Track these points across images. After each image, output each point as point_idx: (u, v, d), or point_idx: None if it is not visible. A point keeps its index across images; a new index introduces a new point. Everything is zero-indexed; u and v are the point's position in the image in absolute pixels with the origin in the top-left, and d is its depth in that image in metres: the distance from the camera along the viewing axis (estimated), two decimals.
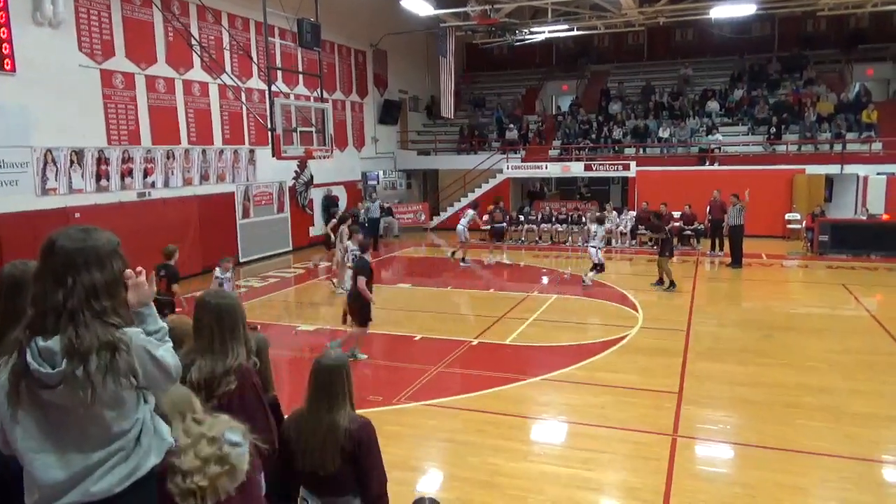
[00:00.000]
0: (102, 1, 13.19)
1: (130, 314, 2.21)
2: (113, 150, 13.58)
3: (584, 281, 13.62)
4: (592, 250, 13.62)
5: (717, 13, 19.42)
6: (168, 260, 9.27)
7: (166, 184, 14.86)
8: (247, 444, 2.34)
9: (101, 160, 13.33)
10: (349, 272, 10.32)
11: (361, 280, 8.60)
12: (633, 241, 19.33)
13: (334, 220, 15.19)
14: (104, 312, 2.09)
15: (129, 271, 2.22)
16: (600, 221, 14.17)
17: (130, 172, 13.98)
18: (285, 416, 3.30)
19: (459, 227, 16.62)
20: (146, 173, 14.35)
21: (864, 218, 17.71)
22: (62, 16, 12.23)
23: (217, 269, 10.09)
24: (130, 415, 2.13)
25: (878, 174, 18.70)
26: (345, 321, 9.92)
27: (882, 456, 6.00)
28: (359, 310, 8.77)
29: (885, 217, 17.46)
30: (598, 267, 13.59)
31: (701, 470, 5.89)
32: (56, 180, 12.45)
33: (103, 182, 13.38)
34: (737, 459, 6.09)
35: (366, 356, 9.01)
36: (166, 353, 2.23)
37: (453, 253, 17.02)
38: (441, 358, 8.96)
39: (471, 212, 17.05)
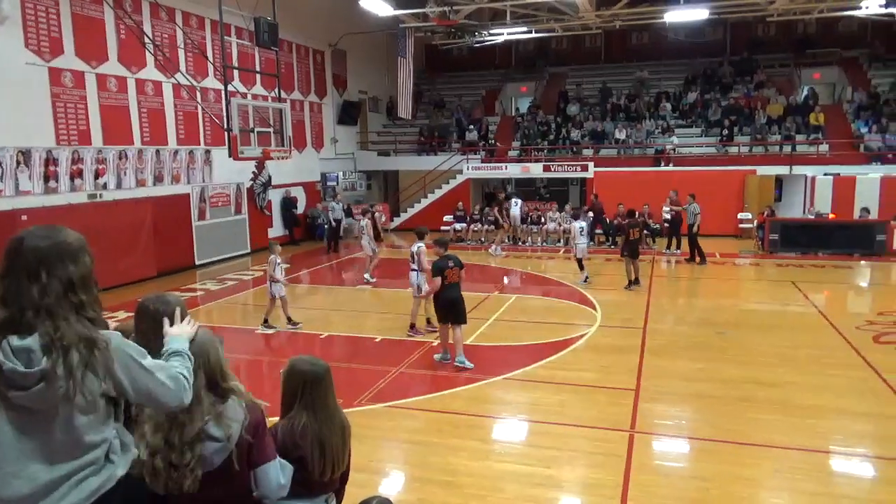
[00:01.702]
0: None
1: (103, 317, 2.18)
2: (62, 150, 13.19)
3: (585, 280, 13.80)
4: (584, 246, 14.01)
5: (672, 17, 19.84)
6: None
7: (119, 185, 14.49)
8: (230, 442, 2.51)
9: (50, 161, 12.93)
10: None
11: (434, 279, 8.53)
12: (591, 241, 19.59)
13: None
14: (81, 306, 2.05)
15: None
16: (577, 217, 14.56)
17: (81, 173, 13.59)
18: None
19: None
20: (97, 174, 13.97)
21: (812, 217, 18.29)
22: (7, 12, 11.81)
23: (272, 254, 10.43)
24: (101, 427, 2.07)
25: (825, 175, 19.36)
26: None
27: (830, 446, 6.20)
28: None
29: (831, 216, 18.07)
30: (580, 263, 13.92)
31: (658, 464, 6.00)
32: (1, 182, 12.03)
33: (52, 183, 12.98)
34: (692, 453, 6.22)
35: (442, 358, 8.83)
36: (161, 365, 2.21)
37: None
38: (402, 359, 8.93)
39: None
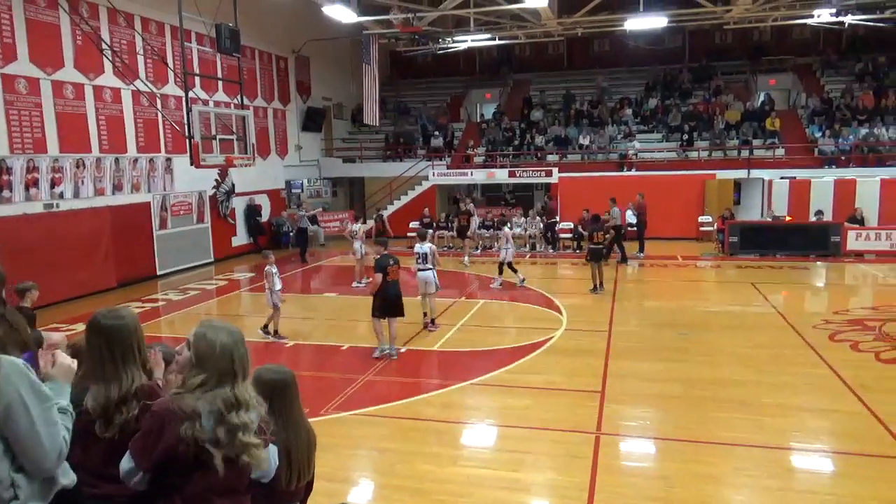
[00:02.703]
0: (2, 2, 12.47)
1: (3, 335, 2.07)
2: (16, 158, 12.82)
3: (500, 284, 14.13)
4: (513, 250, 14.38)
5: (632, 25, 20.18)
6: (22, 300, 7.09)
7: (76, 194, 14.14)
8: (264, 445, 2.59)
9: (3, 170, 12.56)
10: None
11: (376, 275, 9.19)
12: (555, 246, 19.79)
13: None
14: None
15: (57, 351, 2.36)
16: (504, 223, 15.10)
17: (36, 182, 13.23)
18: None
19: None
20: (53, 183, 13.61)
21: (770, 220, 18.75)
22: None
23: (267, 266, 10.24)
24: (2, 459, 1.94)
25: (782, 178, 19.87)
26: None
27: (789, 443, 6.34)
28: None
29: (788, 219, 18.55)
30: (507, 266, 14.16)
31: (623, 465, 6.07)
32: None
33: (6, 193, 12.60)
34: (657, 453, 6.31)
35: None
36: (54, 420, 2.05)
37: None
38: (369, 366, 8.89)
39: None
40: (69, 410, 2.25)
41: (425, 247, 10.78)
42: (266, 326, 10.42)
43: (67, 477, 2.14)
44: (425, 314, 10.88)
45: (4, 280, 2.08)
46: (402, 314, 9.33)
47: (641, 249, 18.05)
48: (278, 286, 10.21)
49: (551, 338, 10.12)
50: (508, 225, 14.99)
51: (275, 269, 10.24)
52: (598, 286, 13.50)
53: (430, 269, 10.68)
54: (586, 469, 5.78)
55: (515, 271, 14.23)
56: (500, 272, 14.23)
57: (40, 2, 13.23)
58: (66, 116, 13.89)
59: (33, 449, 1.97)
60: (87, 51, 14.26)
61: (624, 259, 17.02)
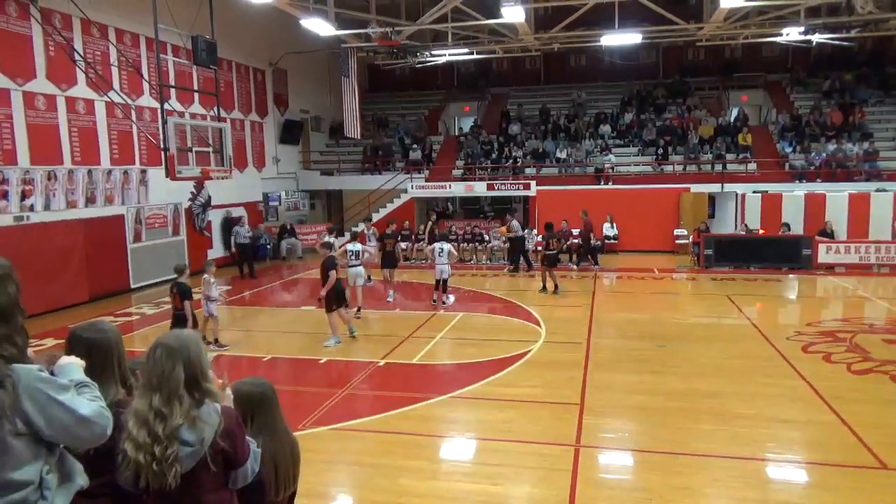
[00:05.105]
0: None
1: (24, 345, 2.05)
2: None
3: (445, 302, 13.45)
4: (445, 267, 13.30)
5: (607, 41, 20.48)
6: (179, 276, 9.69)
7: (47, 207, 13.90)
8: (202, 446, 2.47)
9: None
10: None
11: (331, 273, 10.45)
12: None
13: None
14: None
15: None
16: (445, 238, 14.87)
17: (6, 195, 12.98)
18: None
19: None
20: (24, 195, 13.37)
21: (744, 233, 19.04)
22: None
23: (205, 274, 10.57)
24: (24, 466, 1.94)
25: (754, 192, 20.21)
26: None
27: (765, 454, 6.41)
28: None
29: (761, 232, 18.86)
30: (444, 284, 13.42)
31: (602, 478, 6.08)
32: None
33: None
34: (635, 465, 6.33)
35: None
36: (81, 400, 2.07)
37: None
38: (347, 380, 8.83)
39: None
40: (87, 381, 2.26)
41: (357, 246, 12.61)
42: (204, 337, 10.25)
43: (84, 477, 2.16)
44: (358, 308, 12.61)
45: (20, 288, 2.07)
46: (347, 305, 11.07)
47: (596, 263, 18.33)
48: (214, 294, 10.49)
49: (530, 350, 10.13)
50: (438, 242, 13.71)
51: (212, 280, 10.54)
52: (546, 287, 14.47)
53: (359, 264, 12.57)
54: (566, 482, 5.78)
55: (443, 290, 13.45)
56: (445, 289, 13.43)
57: (11, 12, 13.05)
58: (37, 128, 13.67)
59: (86, 430, 2.03)
60: (59, 61, 14.07)
61: (515, 269, 17.94)
